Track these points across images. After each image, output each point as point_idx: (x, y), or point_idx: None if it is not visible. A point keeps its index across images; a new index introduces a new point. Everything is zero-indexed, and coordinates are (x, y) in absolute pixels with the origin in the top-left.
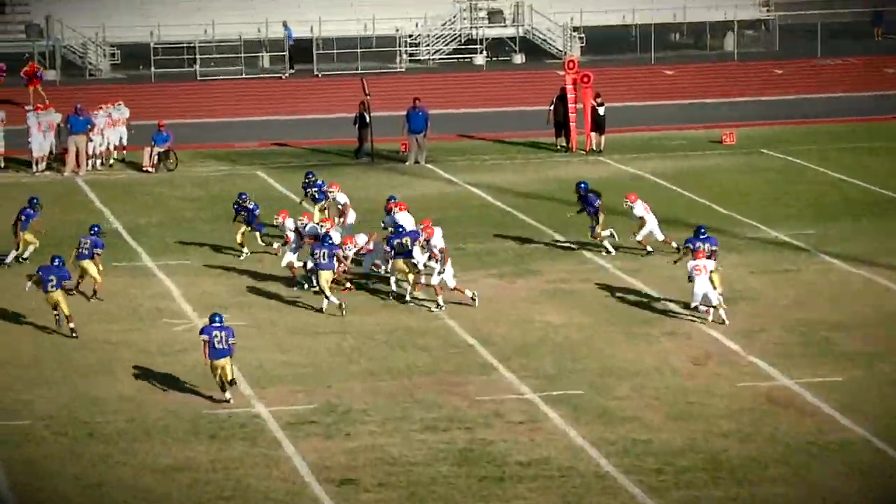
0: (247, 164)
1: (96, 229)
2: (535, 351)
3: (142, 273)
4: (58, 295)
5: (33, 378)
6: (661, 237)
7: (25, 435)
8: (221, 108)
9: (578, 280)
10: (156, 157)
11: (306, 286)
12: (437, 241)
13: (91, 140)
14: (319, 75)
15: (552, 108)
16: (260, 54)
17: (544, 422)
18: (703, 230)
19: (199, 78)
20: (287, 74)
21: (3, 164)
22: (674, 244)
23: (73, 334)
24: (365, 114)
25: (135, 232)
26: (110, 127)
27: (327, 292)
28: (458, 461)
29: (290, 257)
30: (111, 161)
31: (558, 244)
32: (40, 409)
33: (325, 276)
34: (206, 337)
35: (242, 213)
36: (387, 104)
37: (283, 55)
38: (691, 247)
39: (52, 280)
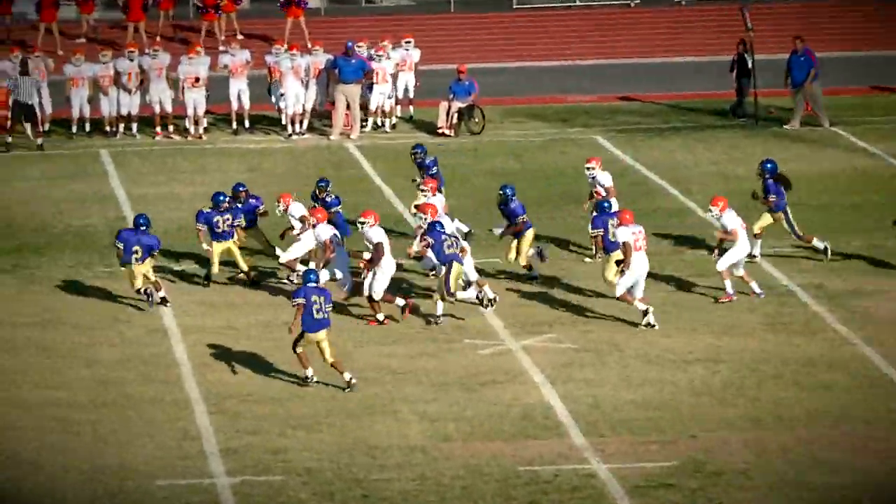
0: (580, 126)
1: (258, 203)
2: None
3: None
4: (143, 269)
5: (289, 419)
6: None
7: (277, 494)
8: (544, 48)
9: None
10: (455, 116)
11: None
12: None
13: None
14: (682, 2)
15: None
16: None
17: None
18: None
19: (514, 7)
20: (637, 1)
21: (247, 125)
22: None
23: (167, 303)
24: (746, 56)
25: None
26: (393, 73)
27: (457, 291)
28: None
29: (297, 252)
30: (394, 120)
31: None
32: (297, 460)
33: (459, 271)
34: (301, 300)
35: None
36: (775, 43)
37: None
38: None
39: (136, 251)
